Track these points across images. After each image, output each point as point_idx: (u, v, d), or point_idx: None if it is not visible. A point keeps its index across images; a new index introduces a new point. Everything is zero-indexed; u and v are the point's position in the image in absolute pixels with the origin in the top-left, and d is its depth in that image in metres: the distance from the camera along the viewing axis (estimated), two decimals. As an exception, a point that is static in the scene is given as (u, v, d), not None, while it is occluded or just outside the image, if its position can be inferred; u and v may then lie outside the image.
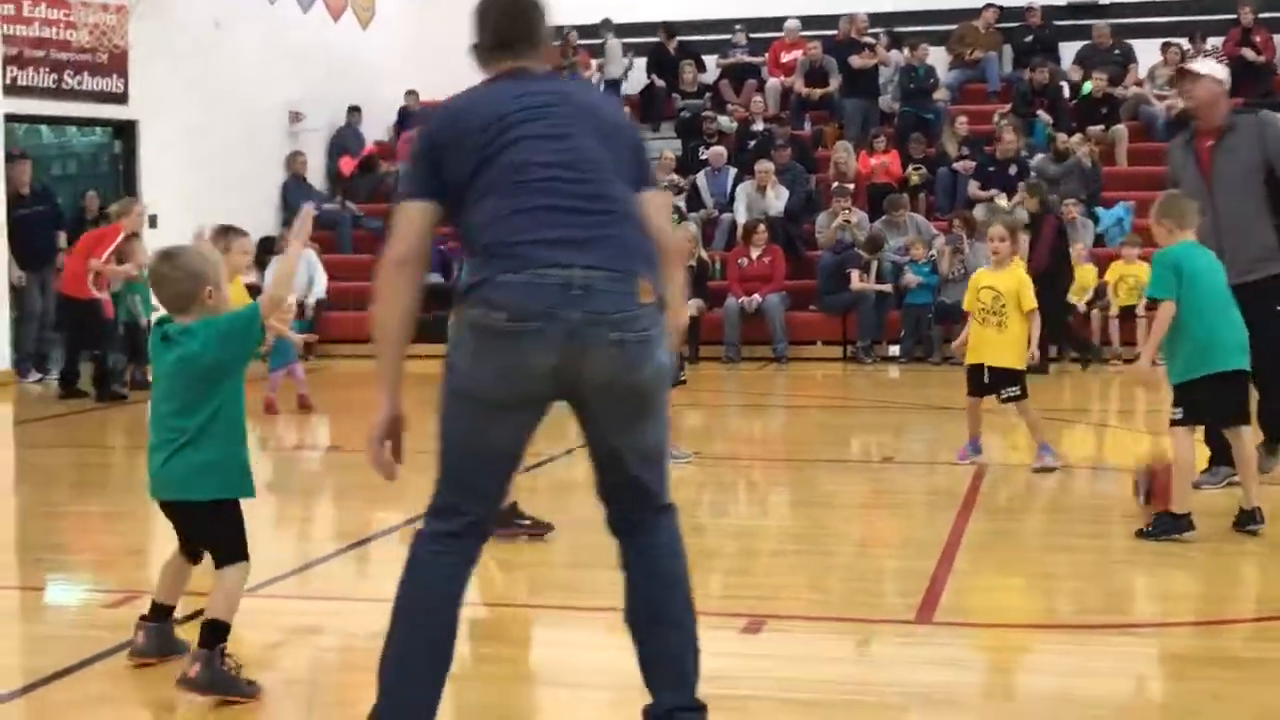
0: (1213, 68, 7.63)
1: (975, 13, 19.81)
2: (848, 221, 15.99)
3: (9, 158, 14.34)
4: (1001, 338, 8.47)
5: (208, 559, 4.67)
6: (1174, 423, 6.52)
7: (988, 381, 8.51)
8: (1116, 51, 18.95)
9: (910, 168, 17.38)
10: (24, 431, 11.67)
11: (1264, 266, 7.16)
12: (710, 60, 20.27)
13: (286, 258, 4.82)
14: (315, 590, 6.13)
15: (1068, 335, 14.42)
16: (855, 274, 15.43)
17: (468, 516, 3.64)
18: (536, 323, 3.46)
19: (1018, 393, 8.47)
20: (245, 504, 4.58)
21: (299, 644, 5.25)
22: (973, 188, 16.72)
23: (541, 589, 6.04)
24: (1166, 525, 6.43)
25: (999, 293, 8.46)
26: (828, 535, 7.17)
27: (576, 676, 4.87)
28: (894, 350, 15.34)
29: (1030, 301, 8.44)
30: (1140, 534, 6.51)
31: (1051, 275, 13.43)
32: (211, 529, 4.60)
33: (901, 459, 9.02)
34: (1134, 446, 9.36)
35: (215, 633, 4.46)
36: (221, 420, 4.49)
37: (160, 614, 4.83)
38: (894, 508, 7.89)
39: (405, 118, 19.60)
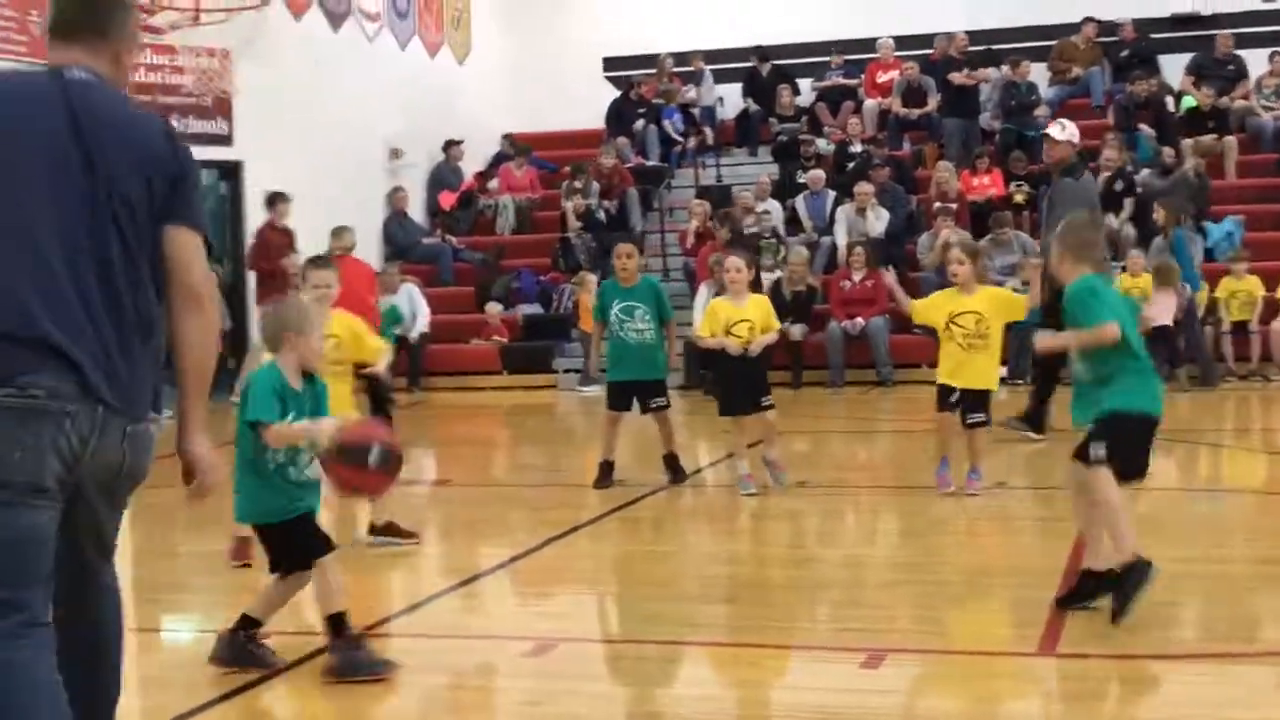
0: (1072, 133, 10.49)
1: (1074, 28, 19.54)
2: (950, 242, 15.79)
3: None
4: (986, 360, 8.31)
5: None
6: None
7: (955, 401, 8.33)
8: (1230, 67, 18.57)
9: (1013, 185, 17.15)
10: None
11: None
12: (805, 84, 20.19)
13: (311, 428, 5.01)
14: (424, 628, 6.09)
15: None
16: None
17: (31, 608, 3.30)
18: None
19: (986, 418, 8.37)
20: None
21: (409, 682, 5.20)
22: (1077, 205, 16.43)
23: (656, 623, 5.96)
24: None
25: (980, 315, 8.25)
26: (941, 564, 7.04)
27: (688, 711, 4.81)
28: (1003, 372, 15.05)
29: (1019, 311, 8.29)
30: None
31: None
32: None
33: (1014, 484, 8.83)
34: (1251, 465, 9.12)
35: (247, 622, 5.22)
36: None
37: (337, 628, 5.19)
38: (1008, 534, 7.72)
39: (504, 150, 19.75)
